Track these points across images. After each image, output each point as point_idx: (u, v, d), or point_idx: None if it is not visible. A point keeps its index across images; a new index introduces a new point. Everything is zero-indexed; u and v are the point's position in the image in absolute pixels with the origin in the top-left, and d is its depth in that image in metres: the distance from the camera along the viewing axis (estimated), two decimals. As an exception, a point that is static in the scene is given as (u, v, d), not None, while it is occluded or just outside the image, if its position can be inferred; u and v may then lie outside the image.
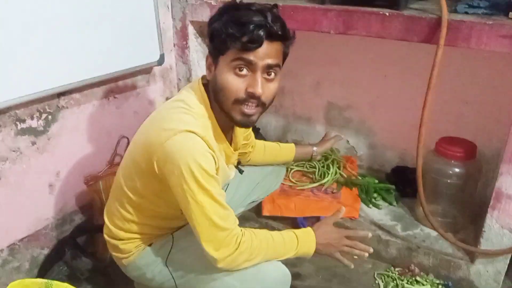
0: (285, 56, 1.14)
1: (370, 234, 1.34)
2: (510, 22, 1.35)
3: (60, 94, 1.60)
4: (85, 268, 1.64)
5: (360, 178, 2.18)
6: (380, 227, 1.89)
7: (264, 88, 1.07)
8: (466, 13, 1.46)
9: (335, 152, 2.31)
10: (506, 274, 1.61)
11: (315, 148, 1.72)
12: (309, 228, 1.28)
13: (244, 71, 1.06)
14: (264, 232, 1.21)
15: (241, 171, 1.44)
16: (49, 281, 1.02)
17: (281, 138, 2.59)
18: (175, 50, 2.09)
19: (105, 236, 1.36)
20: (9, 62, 1.36)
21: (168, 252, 1.28)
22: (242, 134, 1.41)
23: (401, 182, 2.09)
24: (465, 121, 1.96)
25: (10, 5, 1.31)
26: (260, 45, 1.03)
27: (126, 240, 1.30)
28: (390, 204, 2.04)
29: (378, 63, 2.12)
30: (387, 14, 1.50)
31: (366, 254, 1.30)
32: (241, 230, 1.14)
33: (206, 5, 1.89)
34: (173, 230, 1.33)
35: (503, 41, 1.34)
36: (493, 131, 1.89)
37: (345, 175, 2.19)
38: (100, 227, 1.73)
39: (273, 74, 1.09)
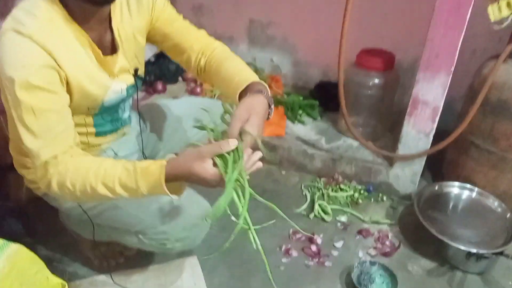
0: None
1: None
2: None
3: None
4: (-1, 213, 1.51)
5: (285, 96, 2.18)
6: (305, 142, 1.93)
7: None
8: None
9: (259, 72, 2.27)
10: (421, 175, 1.74)
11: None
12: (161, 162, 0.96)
13: None
14: (96, 161, 0.99)
15: (141, 78, 1.22)
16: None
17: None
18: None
19: (18, 169, 1.23)
20: None
21: None
22: (139, 31, 1.15)
23: (324, 97, 2.13)
24: (384, 33, 1.99)
25: None
26: None
27: (33, 169, 1.16)
28: (314, 119, 2.08)
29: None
30: None
31: None
32: (57, 160, 0.96)
33: None
34: None
35: None
36: (410, 42, 1.95)
37: (271, 95, 2.17)
38: (7, 166, 1.59)
39: None
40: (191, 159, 0.91)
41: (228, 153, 0.91)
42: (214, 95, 2.21)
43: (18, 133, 0.96)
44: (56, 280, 0.80)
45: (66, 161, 0.96)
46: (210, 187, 0.93)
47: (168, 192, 0.92)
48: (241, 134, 0.96)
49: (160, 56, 2.35)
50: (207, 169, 0.90)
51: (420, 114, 1.59)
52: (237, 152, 0.92)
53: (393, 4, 1.94)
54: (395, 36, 1.97)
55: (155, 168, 0.92)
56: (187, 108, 1.47)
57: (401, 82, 1.92)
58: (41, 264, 0.85)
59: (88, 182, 0.95)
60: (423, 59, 1.49)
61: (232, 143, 0.91)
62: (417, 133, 1.63)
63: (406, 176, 1.75)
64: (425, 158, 1.68)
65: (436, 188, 1.68)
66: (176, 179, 0.93)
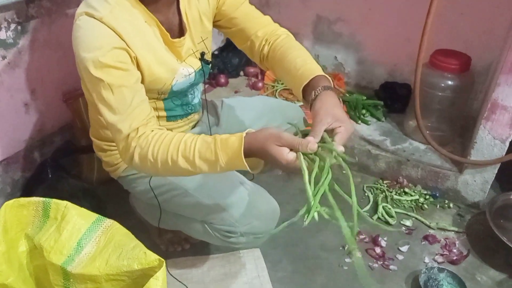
0: None
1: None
2: None
3: (28, 1, 1.43)
4: (72, 190, 1.58)
5: (347, 95, 2.14)
6: (369, 142, 1.89)
7: None
8: None
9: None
10: (491, 185, 1.66)
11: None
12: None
13: None
14: (176, 135, 0.98)
15: (208, 63, 1.23)
16: (47, 199, 0.96)
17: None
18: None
19: (96, 152, 1.28)
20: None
21: None
22: (205, 14, 1.17)
23: (389, 98, 2.08)
24: (459, 33, 1.91)
25: None
26: None
27: (109, 151, 1.23)
28: (379, 120, 2.03)
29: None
30: None
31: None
32: (138, 134, 0.98)
33: None
34: None
35: None
36: (486, 43, 1.86)
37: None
38: (82, 148, 1.66)
39: None
40: (270, 138, 0.88)
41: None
42: (275, 91, 2.21)
43: (97, 117, 1.00)
44: (154, 256, 0.82)
45: (147, 134, 0.98)
46: (280, 169, 0.92)
47: (246, 164, 0.89)
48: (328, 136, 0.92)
49: (224, 50, 2.37)
50: (283, 153, 0.87)
51: (498, 120, 1.51)
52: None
53: (470, 3, 1.86)
54: (470, 37, 1.89)
55: (235, 139, 0.91)
56: (260, 108, 1.45)
57: (475, 85, 1.85)
58: (136, 240, 0.87)
59: (170, 155, 0.95)
60: (506, 61, 1.42)
61: (311, 147, 0.87)
62: (493, 139, 1.55)
63: (476, 184, 1.67)
64: (498, 165, 1.60)
65: (511, 197, 1.60)
66: (251, 154, 0.91)
